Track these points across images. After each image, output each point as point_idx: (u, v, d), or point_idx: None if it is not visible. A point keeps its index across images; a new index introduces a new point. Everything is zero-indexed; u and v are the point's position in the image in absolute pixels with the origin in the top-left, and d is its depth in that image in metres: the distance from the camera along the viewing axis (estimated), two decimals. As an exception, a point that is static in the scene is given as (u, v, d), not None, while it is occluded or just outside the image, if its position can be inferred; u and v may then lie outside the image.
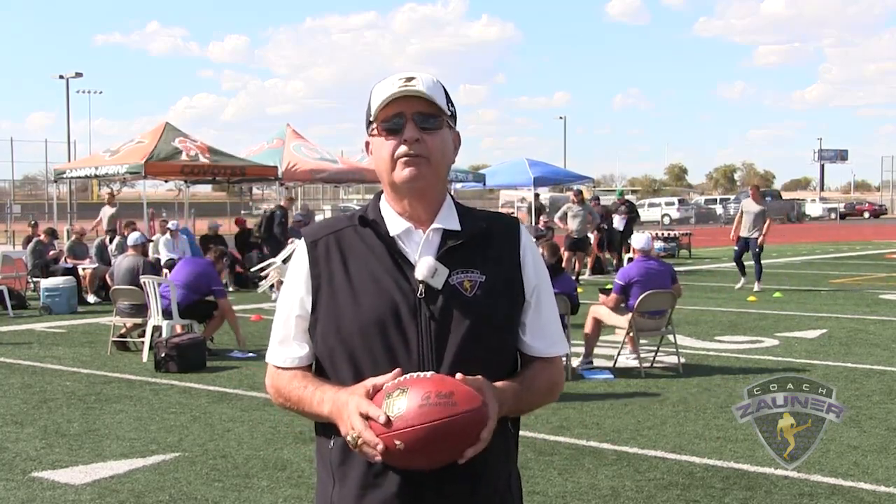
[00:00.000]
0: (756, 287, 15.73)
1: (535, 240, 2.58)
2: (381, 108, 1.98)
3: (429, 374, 1.86)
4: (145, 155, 17.19)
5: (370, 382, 1.88)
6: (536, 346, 2.10)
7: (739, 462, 5.80)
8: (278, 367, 2.09)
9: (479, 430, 1.82)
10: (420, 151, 1.98)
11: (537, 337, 2.09)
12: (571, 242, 18.33)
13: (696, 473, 5.58)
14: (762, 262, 16.13)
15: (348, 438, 1.85)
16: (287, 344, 2.08)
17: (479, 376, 1.89)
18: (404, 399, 1.79)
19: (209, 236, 18.22)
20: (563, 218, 18.83)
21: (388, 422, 1.78)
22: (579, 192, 19.43)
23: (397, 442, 1.78)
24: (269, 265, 11.58)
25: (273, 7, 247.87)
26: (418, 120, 1.98)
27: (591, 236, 19.84)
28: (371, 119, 2.03)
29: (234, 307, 14.13)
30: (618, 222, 20.75)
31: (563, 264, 14.68)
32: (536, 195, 26.02)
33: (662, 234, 26.29)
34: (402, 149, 1.98)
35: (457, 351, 1.95)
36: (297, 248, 2.09)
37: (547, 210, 28.45)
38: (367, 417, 1.82)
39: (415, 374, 1.86)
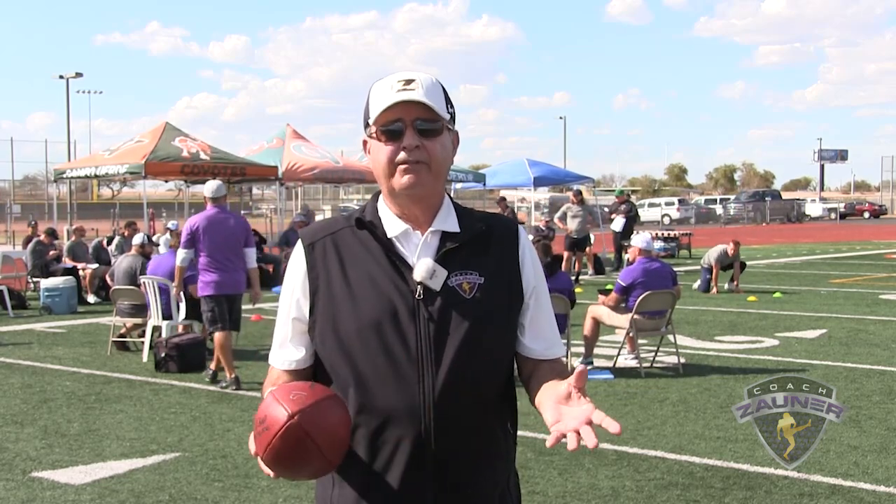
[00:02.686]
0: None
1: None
2: (380, 113, 1.97)
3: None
4: (145, 154, 17.18)
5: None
6: (534, 348, 2.09)
7: (739, 462, 5.79)
8: (277, 370, 2.10)
9: (304, 439, 1.82)
10: (420, 158, 1.97)
11: (535, 338, 2.09)
12: (571, 242, 18.36)
13: (696, 473, 5.58)
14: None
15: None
16: (285, 346, 2.08)
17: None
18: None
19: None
20: (563, 218, 18.86)
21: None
22: (579, 193, 19.48)
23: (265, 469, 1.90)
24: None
25: (273, 7, 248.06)
26: (418, 126, 1.97)
27: (592, 236, 19.90)
28: (369, 121, 2.02)
29: (234, 307, 14.14)
30: (617, 223, 20.76)
31: (563, 264, 14.71)
32: (502, 199, 25.82)
33: (662, 234, 26.28)
34: (402, 155, 1.97)
35: (455, 352, 1.95)
36: (295, 250, 2.09)
37: (546, 210, 28.47)
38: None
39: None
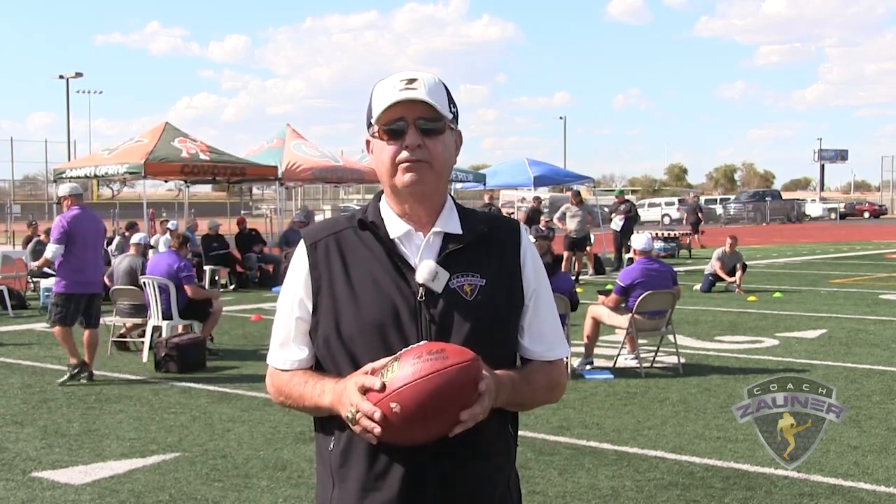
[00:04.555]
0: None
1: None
2: (382, 112, 1.98)
3: (421, 342, 1.89)
4: (145, 154, 17.16)
5: (369, 366, 1.90)
6: (535, 350, 2.10)
7: (739, 462, 5.80)
8: (279, 370, 2.09)
9: (472, 385, 1.82)
10: (422, 157, 1.97)
11: (536, 340, 2.09)
12: (570, 242, 18.39)
13: (696, 473, 5.58)
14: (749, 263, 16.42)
15: (347, 416, 1.87)
16: (287, 346, 2.07)
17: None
18: (397, 364, 1.83)
19: (209, 236, 18.23)
20: (562, 218, 18.91)
21: (384, 387, 1.81)
22: (577, 193, 19.55)
23: (393, 405, 1.79)
24: None
25: (273, 7, 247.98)
26: (420, 125, 1.97)
27: (593, 236, 19.94)
28: (372, 120, 2.02)
29: (234, 307, 14.16)
30: (616, 223, 20.81)
31: (563, 264, 14.71)
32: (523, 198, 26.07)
33: (662, 234, 26.29)
34: (404, 154, 1.97)
35: (457, 354, 1.95)
36: (297, 250, 2.09)
37: (546, 210, 28.48)
38: (364, 392, 1.84)
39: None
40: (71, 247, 8.49)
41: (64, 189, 9.03)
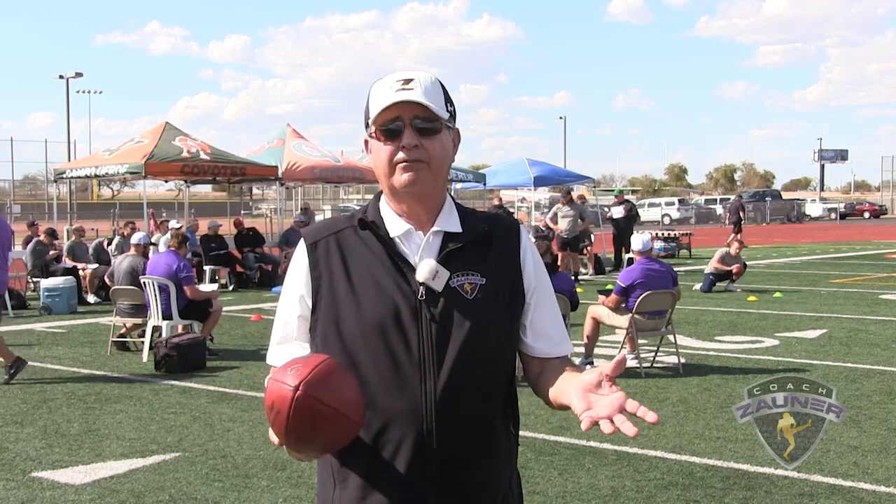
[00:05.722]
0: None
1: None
2: (379, 113, 1.98)
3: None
4: (145, 154, 17.17)
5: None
6: (539, 347, 2.10)
7: (739, 462, 5.79)
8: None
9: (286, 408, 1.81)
10: (419, 157, 1.97)
11: (539, 338, 2.09)
12: (563, 242, 18.43)
13: (696, 473, 5.58)
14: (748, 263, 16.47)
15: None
16: (287, 345, 2.07)
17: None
18: None
19: (209, 236, 18.23)
20: (554, 218, 18.96)
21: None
22: (567, 193, 19.55)
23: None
24: None
25: (273, 7, 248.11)
26: (417, 125, 1.97)
27: (593, 236, 19.96)
28: (369, 121, 2.03)
29: (234, 307, 14.16)
30: (616, 211, 20.92)
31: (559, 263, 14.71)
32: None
33: (662, 234, 26.29)
34: (401, 154, 1.97)
35: (457, 353, 1.95)
36: (297, 250, 2.09)
37: (546, 210, 28.49)
38: None
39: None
40: None
41: None
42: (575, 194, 20.50)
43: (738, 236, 28.95)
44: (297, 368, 1.82)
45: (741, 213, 30.78)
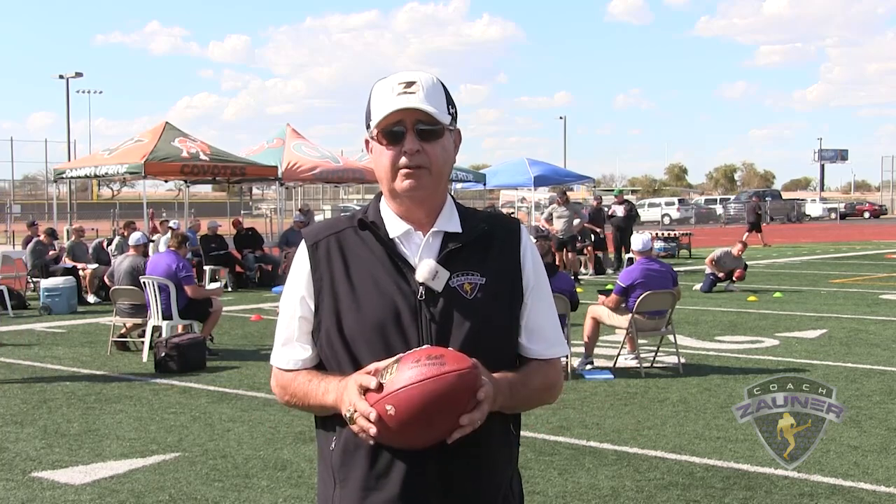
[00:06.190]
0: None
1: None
2: (381, 117, 1.98)
3: (424, 346, 1.89)
4: (145, 154, 17.17)
5: (372, 366, 1.89)
6: (534, 349, 2.09)
7: (739, 462, 5.79)
8: (283, 370, 2.09)
9: (470, 392, 1.82)
10: (421, 162, 1.98)
11: (534, 339, 2.09)
12: (558, 243, 18.45)
13: (696, 473, 5.58)
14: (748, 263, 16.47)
15: (345, 414, 1.88)
16: (290, 346, 2.07)
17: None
18: (396, 367, 1.84)
19: (209, 236, 18.23)
20: (549, 219, 18.99)
21: (381, 387, 1.81)
22: (563, 194, 19.59)
23: (388, 407, 1.80)
24: None
25: (273, 7, 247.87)
26: (419, 128, 1.97)
27: (592, 236, 19.98)
28: (371, 123, 2.02)
29: (234, 307, 14.16)
30: (618, 211, 20.96)
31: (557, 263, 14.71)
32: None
33: (662, 234, 26.28)
34: (403, 160, 1.98)
35: (457, 353, 1.95)
36: (298, 250, 2.09)
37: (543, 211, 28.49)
38: (363, 391, 1.84)
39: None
40: None
41: None
42: (577, 196, 20.55)
43: (760, 236, 29.00)
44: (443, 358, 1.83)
45: (758, 212, 30.82)
